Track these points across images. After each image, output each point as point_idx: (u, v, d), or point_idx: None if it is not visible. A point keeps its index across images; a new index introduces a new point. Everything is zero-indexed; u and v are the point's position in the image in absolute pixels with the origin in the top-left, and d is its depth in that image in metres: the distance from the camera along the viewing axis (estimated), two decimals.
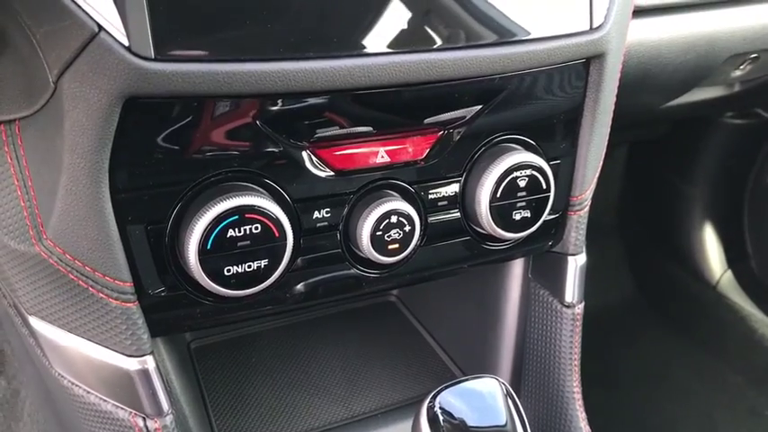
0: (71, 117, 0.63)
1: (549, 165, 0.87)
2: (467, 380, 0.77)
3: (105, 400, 0.78)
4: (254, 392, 1.15)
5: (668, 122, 2.07)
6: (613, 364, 2.27)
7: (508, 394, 0.76)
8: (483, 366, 1.13)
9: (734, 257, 2.34)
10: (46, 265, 0.72)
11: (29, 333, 0.82)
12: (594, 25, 0.83)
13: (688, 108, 1.50)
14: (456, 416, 0.73)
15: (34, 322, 0.78)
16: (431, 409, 0.73)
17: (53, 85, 0.63)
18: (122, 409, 0.78)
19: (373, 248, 0.79)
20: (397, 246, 0.81)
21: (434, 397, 0.74)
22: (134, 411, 0.78)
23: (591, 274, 2.63)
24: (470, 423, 0.73)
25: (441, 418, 0.72)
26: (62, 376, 0.80)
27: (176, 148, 0.68)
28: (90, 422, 0.81)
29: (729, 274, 2.35)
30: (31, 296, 0.76)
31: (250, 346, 1.26)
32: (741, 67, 1.32)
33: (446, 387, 0.75)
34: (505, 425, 0.75)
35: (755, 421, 2.04)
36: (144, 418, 0.78)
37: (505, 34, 0.78)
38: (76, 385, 0.79)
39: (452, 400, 0.74)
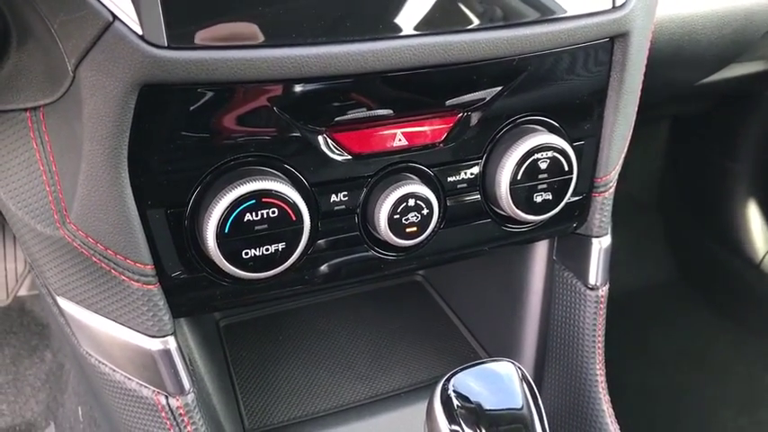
0: (89, 104, 0.65)
1: (573, 146, 0.86)
2: (482, 363, 0.77)
3: (130, 379, 0.81)
4: (280, 370, 1.17)
5: (710, 97, 2.01)
6: (653, 344, 2.25)
7: (524, 378, 0.75)
8: (507, 347, 1.13)
9: None
10: (70, 248, 0.74)
11: (59, 312, 0.85)
12: (617, 3, 0.81)
13: (729, 83, 1.46)
14: (470, 398, 0.73)
15: (62, 302, 0.81)
16: (445, 391, 0.73)
17: (72, 73, 0.65)
18: (146, 387, 0.80)
19: (391, 232, 0.80)
20: (415, 229, 0.81)
21: (448, 379, 0.74)
22: (157, 390, 0.80)
23: (630, 253, 2.60)
24: (485, 405, 0.73)
25: (455, 400, 0.72)
26: (90, 354, 0.83)
27: (193, 133, 0.69)
28: (117, 399, 0.84)
29: None
30: (58, 278, 0.79)
31: (278, 324, 1.29)
32: None
33: (461, 370, 0.75)
34: (521, 408, 0.75)
35: None
36: (166, 396, 0.80)
37: (524, 15, 0.76)
38: (103, 363, 0.82)
39: (467, 382, 0.74)
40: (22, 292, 1.95)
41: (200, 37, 0.64)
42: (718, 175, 2.32)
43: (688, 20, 1.09)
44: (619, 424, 1.06)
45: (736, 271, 2.33)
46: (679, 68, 1.23)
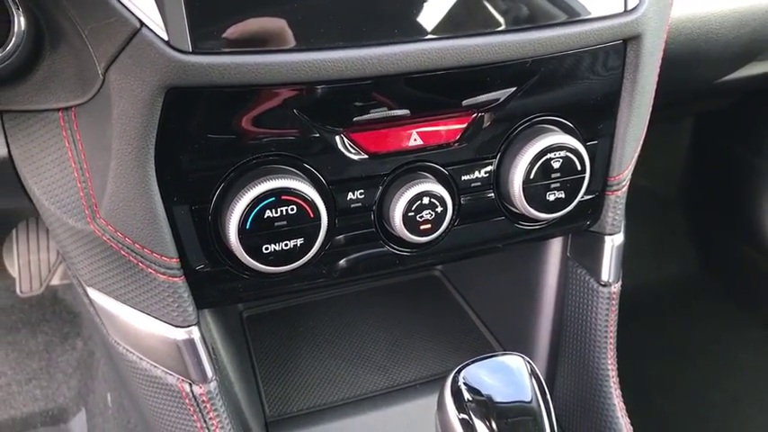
0: (118, 106, 0.68)
1: (586, 145, 0.87)
2: (493, 356, 0.79)
3: (156, 367, 0.85)
4: (300, 360, 1.20)
5: (733, 95, 2.00)
6: (675, 339, 2.25)
7: (533, 372, 0.78)
8: (521, 341, 1.15)
9: None
10: (99, 242, 0.78)
11: (89, 302, 0.89)
12: (629, 7, 0.82)
13: (750, 81, 1.45)
14: (480, 390, 0.75)
15: (92, 293, 0.85)
16: (455, 382, 0.75)
17: (101, 76, 0.68)
18: (171, 375, 0.84)
19: (405, 228, 0.82)
20: (429, 226, 0.83)
21: (459, 371, 0.76)
22: (181, 377, 0.84)
23: (655, 249, 2.58)
24: (495, 398, 0.76)
25: (465, 391, 0.75)
26: (118, 343, 0.87)
27: (216, 134, 0.72)
28: (144, 386, 0.87)
29: None
30: (88, 269, 0.83)
31: (299, 316, 1.32)
32: None
33: (472, 362, 0.78)
34: (531, 401, 0.77)
35: None
36: (190, 384, 0.84)
37: (537, 18, 0.78)
38: (130, 352, 0.86)
39: (478, 374, 0.76)
40: (55, 281, 2.00)
41: (223, 43, 0.67)
42: (745, 172, 2.29)
43: (705, 20, 1.10)
44: (633, 418, 1.08)
45: (761, 268, 2.31)
46: (697, 67, 1.23)
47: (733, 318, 2.31)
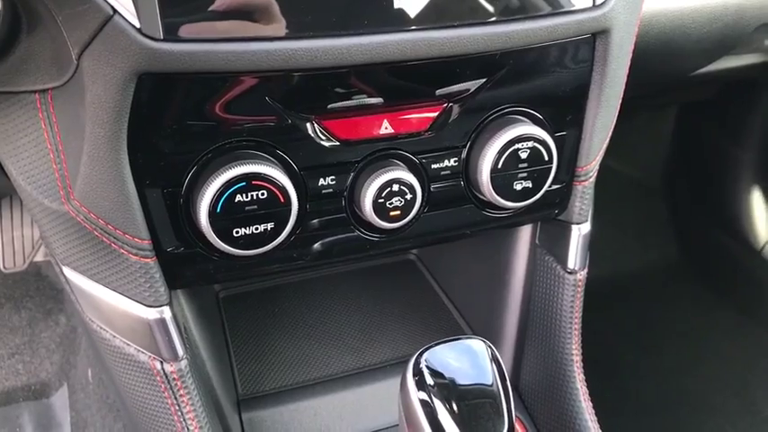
0: (91, 91, 0.69)
1: (555, 137, 0.89)
2: (455, 339, 0.81)
3: (128, 344, 0.87)
4: (274, 341, 1.23)
5: (711, 85, 2.02)
6: (652, 326, 2.28)
7: (494, 357, 0.80)
8: (491, 326, 1.18)
9: None
10: (74, 223, 0.80)
11: (65, 280, 0.91)
12: (598, 2, 0.84)
13: (726, 73, 1.47)
14: (441, 373, 0.78)
15: (67, 272, 0.87)
16: (417, 364, 0.77)
17: (75, 61, 0.70)
18: (143, 352, 0.86)
19: (375, 214, 0.84)
20: (398, 212, 0.85)
21: (422, 354, 0.78)
22: (152, 355, 0.86)
23: (633, 235, 2.61)
24: (456, 380, 0.78)
25: (426, 374, 0.77)
26: (92, 321, 0.89)
27: (188, 119, 0.73)
28: (118, 363, 0.90)
29: None
30: (63, 249, 0.85)
31: (275, 297, 1.34)
32: None
33: (434, 345, 0.80)
34: (491, 385, 0.79)
35: None
36: (161, 362, 0.86)
37: (507, 11, 0.79)
38: (104, 330, 0.88)
39: (440, 357, 0.79)
40: (38, 257, 2.01)
41: (194, 30, 0.68)
42: (725, 162, 2.32)
43: (678, 14, 1.12)
44: (606, 403, 1.11)
45: (738, 257, 2.35)
46: (672, 61, 1.25)
47: (707, 304, 2.35)
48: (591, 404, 1.07)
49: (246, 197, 0.76)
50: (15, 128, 0.80)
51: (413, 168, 0.86)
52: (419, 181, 0.85)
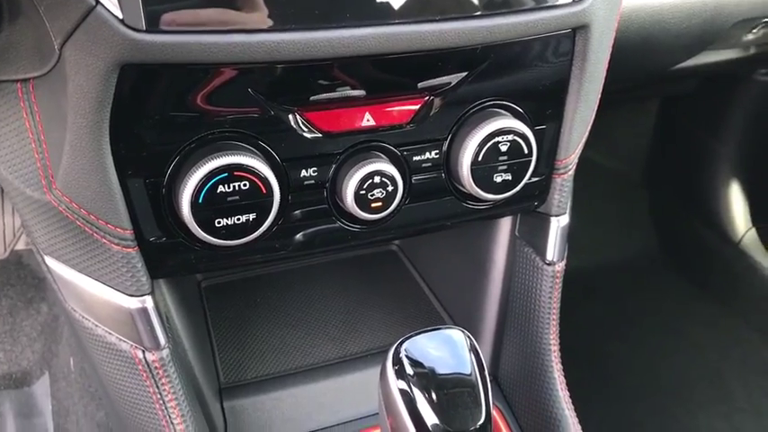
0: (74, 81, 0.69)
1: (534, 130, 0.90)
2: (435, 329, 0.82)
3: (110, 333, 0.87)
4: (256, 330, 1.24)
5: (690, 80, 2.05)
6: (631, 316, 2.32)
7: (472, 347, 0.81)
8: (471, 316, 1.19)
9: (759, 216, 2.33)
10: (56, 212, 0.80)
11: (47, 269, 0.91)
12: None
13: (706, 67, 1.49)
14: (420, 362, 0.79)
15: (49, 261, 0.87)
16: (397, 354, 0.79)
17: (58, 51, 0.70)
18: (124, 341, 0.87)
19: (357, 206, 0.85)
20: (380, 204, 0.86)
21: (401, 343, 0.80)
22: (134, 344, 0.86)
23: (615, 227, 2.64)
24: (435, 370, 0.79)
25: (406, 363, 0.78)
26: (74, 310, 0.90)
27: (170, 110, 0.74)
28: (100, 352, 0.90)
29: (753, 232, 2.34)
30: (45, 238, 0.85)
31: (257, 286, 1.35)
32: (754, 31, 1.31)
33: (414, 335, 0.81)
34: (470, 374, 0.80)
35: (766, 378, 2.08)
36: (143, 351, 0.87)
37: (487, 6, 0.80)
38: (86, 318, 0.89)
39: (419, 347, 0.80)
40: (20, 245, 2.00)
41: (176, 22, 0.68)
42: (704, 155, 2.35)
43: (657, 9, 1.13)
44: (587, 394, 1.13)
45: (716, 249, 2.39)
46: (651, 55, 1.27)
47: (685, 294, 2.38)
48: (568, 393, 1.09)
49: (229, 188, 0.76)
50: None
51: (394, 160, 0.87)
52: (400, 173, 0.86)
